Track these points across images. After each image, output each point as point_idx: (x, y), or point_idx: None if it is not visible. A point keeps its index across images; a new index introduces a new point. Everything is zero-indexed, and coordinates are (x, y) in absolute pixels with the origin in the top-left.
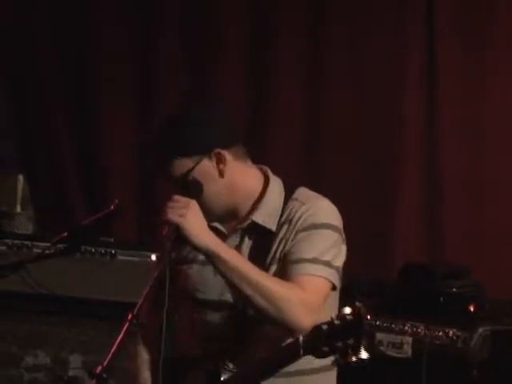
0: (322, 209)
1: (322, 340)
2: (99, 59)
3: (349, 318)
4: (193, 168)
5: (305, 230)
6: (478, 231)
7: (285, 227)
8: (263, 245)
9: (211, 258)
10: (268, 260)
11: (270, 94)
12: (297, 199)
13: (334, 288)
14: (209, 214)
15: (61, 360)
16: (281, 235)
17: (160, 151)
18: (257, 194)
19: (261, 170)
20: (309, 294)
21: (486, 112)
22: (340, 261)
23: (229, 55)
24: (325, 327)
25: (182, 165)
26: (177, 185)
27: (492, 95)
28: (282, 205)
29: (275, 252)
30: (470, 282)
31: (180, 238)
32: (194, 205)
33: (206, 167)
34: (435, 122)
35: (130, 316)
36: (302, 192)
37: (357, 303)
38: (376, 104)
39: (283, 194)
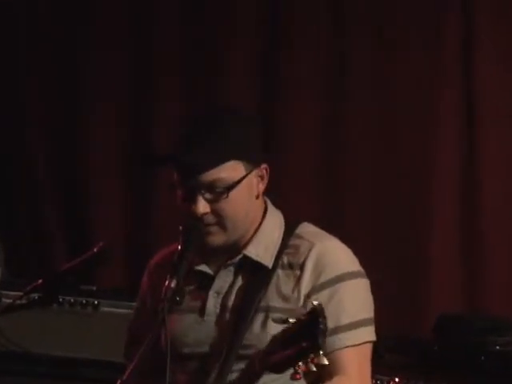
0: (337, 254)
1: (276, 350)
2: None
3: (303, 317)
4: (245, 176)
5: (325, 287)
6: None
7: (288, 272)
8: (255, 287)
9: None
10: (254, 305)
11: (284, 118)
12: (302, 237)
13: None
14: (223, 240)
15: None
16: (279, 279)
17: (213, 146)
18: (256, 225)
19: (264, 199)
20: (354, 377)
21: None
22: (373, 307)
23: (236, 79)
24: (279, 334)
25: (237, 170)
26: (200, 196)
27: None
28: (280, 239)
29: (270, 299)
30: None
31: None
32: None
33: (252, 181)
34: (473, 155)
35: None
36: (308, 229)
37: (314, 302)
38: (404, 134)
39: (283, 227)
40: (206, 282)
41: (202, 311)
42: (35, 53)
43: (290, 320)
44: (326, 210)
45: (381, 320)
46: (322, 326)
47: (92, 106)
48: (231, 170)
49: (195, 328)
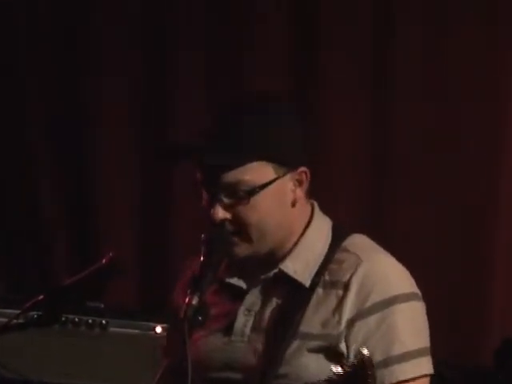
0: (388, 272)
1: None
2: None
3: (348, 369)
4: (273, 181)
5: (372, 311)
6: None
7: (329, 291)
8: (292, 308)
9: None
10: (290, 331)
11: (324, 112)
12: (348, 251)
13: None
14: (249, 252)
15: None
16: (319, 299)
17: (237, 144)
18: (298, 235)
19: (310, 204)
20: None
21: None
22: (428, 334)
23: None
24: None
25: (263, 172)
26: (219, 199)
27: None
28: (324, 253)
29: (307, 324)
30: None
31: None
32: None
33: (284, 186)
34: None
35: None
36: (357, 241)
37: (363, 351)
38: (462, 125)
39: (329, 239)
40: (237, 297)
41: (229, 330)
42: (35, 53)
43: (334, 370)
44: (373, 214)
45: (433, 343)
46: (370, 381)
47: (98, 106)
48: (256, 172)
49: (223, 349)
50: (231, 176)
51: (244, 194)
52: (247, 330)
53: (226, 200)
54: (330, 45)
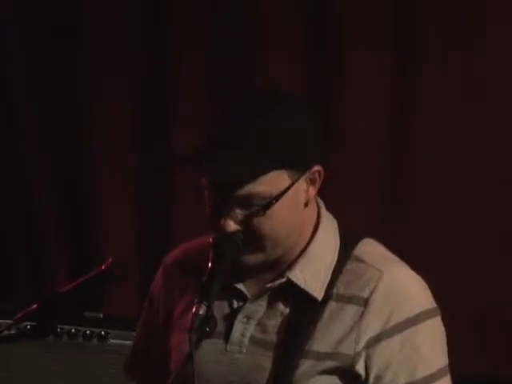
0: (409, 287)
1: None
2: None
3: None
4: (289, 188)
5: (396, 331)
6: None
7: (345, 305)
8: (301, 322)
9: None
10: (300, 348)
11: (339, 107)
12: (363, 261)
13: None
14: (260, 260)
15: None
16: (332, 314)
17: (249, 154)
18: (306, 239)
19: (317, 203)
20: None
21: None
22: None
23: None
24: None
25: (279, 181)
26: (230, 211)
27: None
28: (334, 262)
29: (318, 341)
30: None
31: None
32: None
33: (298, 188)
34: None
35: None
36: (369, 249)
37: None
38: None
39: (338, 245)
40: (238, 303)
41: (225, 338)
42: (35, 52)
43: None
44: (390, 219)
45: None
46: None
47: (98, 106)
48: (271, 181)
49: (218, 359)
50: (245, 190)
51: (259, 207)
52: (245, 340)
53: (238, 211)
54: (332, 44)
